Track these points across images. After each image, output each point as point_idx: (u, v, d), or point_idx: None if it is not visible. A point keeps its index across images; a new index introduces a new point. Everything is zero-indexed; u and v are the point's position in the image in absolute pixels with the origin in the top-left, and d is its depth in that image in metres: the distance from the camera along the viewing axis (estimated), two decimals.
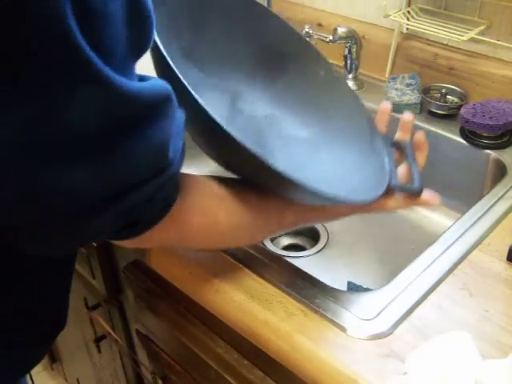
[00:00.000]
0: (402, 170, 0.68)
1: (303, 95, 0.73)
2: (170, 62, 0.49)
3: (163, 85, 0.42)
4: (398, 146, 0.69)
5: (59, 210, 0.41)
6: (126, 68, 0.39)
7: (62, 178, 0.38)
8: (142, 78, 0.42)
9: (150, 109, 0.40)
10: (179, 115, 0.46)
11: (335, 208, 0.64)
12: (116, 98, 0.37)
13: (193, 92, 0.48)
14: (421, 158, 0.69)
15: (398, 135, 0.70)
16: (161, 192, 0.46)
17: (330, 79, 0.73)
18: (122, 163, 0.40)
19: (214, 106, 0.55)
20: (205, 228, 0.54)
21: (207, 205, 0.54)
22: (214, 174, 0.57)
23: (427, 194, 0.67)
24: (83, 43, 0.34)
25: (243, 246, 0.69)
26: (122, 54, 0.38)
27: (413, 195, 0.65)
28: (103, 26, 0.35)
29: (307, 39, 0.96)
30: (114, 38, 0.36)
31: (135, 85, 0.39)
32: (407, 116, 0.69)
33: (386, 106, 0.72)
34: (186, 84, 0.48)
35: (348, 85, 0.79)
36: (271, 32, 0.70)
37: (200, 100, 0.48)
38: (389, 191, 0.64)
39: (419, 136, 0.69)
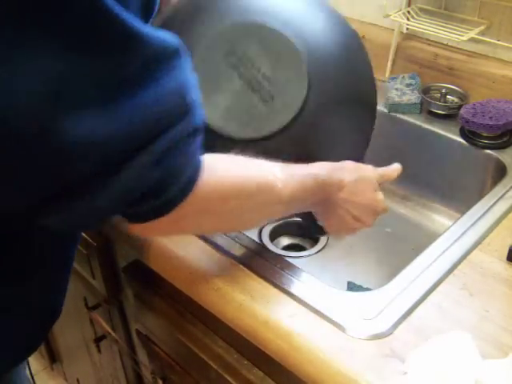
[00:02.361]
0: None
1: None
2: None
3: (172, 35, 0.43)
4: None
5: (90, 163, 0.41)
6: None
7: (90, 129, 0.39)
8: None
9: (163, 52, 0.42)
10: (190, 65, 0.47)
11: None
12: (133, 40, 0.39)
13: None
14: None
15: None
16: (186, 146, 0.46)
17: None
18: (142, 109, 0.41)
19: None
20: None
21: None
22: None
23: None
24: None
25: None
26: (135, 9, 0.41)
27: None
28: None
29: None
30: None
31: (148, 29, 0.41)
32: (395, 167, 0.75)
33: (398, 167, 0.76)
34: None
35: None
36: None
37: None
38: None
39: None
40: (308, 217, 0.73)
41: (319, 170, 0.63)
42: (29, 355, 0.65)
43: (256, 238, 0.94)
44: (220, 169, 0.53)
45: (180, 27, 0.67)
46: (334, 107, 0.68)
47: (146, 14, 0.44)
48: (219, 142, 0.63)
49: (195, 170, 0.49)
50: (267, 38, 0.65)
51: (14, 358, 0.62)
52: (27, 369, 0.75)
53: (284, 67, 0.65)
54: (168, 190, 0.47)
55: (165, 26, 0.67)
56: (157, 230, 0.55)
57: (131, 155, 0.42)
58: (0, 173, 0.41)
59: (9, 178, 0.41)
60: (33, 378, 0.74)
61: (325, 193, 0.64)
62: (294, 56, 0.65)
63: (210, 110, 0.62)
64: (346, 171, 0.66)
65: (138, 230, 0.52)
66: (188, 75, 0.45)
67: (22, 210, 0.44)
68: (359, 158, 0.73)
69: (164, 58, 0.42)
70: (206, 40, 0.65)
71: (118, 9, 0.38)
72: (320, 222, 0.73)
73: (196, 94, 0.47)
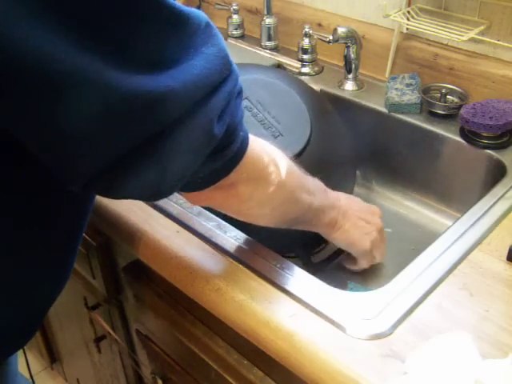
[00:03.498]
0: None
1: None
2: None
3: (198, 10, 0.48)
4: None
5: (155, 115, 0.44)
6: None
7: (155, 84, 0.42)
8: None
9: (198, 24, 0.47)
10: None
11: None
12: (177, 20, 0.44)
13: None
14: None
15: None
16: (238, 104, 0.52)
17: None
18: (193, 71, 0.45)
19: None
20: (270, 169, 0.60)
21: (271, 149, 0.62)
22: None
23: None
24: None
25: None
26: None
27: None
28: None
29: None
30: None
31: (183, 7, 0.45)
32: None
33: None
34: None
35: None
36: None
37: None
38: None
39: None
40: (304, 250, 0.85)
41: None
42: (25, 342, 0.64)
43: None
44: (260, 141, 0.60)
45: None
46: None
47: None
48: None
49: (246, 131, 0.55)
50: (278, 92, 0.85)
51: (9, 343, 0.62)
52: (27, 370, 0.75)
53: (291, 114, 0.83)
54: (229, 148, 0.52)
55: None
56: (212, 199, 0.60)
57: (192, 109, 0.46)
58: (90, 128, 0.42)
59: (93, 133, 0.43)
60: (32, 378, 0.74)
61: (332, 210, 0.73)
62: (299, 106, 0.84)
63: None
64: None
65: (194, 199, 0.58)
66: (223, 42, 0.50)
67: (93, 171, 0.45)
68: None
69: (200, 31, 0.47)
70: None
71: None
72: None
73: (232, 59, 0.51)
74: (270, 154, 0.61)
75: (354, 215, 0.76)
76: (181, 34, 0.45)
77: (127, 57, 0.42)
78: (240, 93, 0.53)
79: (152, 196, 0.51)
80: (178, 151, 0.46)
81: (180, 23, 0.45)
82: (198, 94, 0.46)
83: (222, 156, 0.52)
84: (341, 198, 0.76)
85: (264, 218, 0.66)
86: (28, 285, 0.59)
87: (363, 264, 0.81)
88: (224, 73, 0.49)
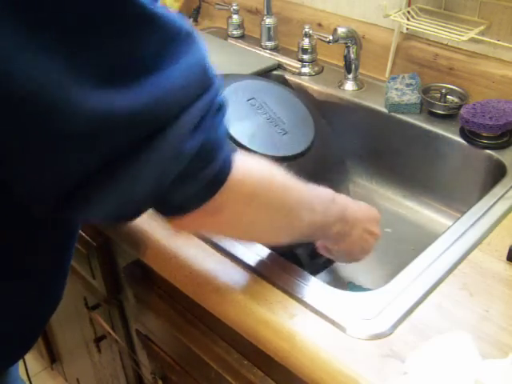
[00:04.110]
0: None
1: None
2: None
3: (183, 17, 0.45)
4: None
5: (124, 136, 0.41)
6: None
7: (122, 102, 0.39)
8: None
9: (178, 33, 0.43)
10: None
11: None
12: (149, 22, 0.41)
13: None
14: None
15: None
16: (216, 121, 0.47)
17: None
18: (165, 85, 0.42)
19: None
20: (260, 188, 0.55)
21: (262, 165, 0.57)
22: None
23: None
24: None
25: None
26: None
27: None
28: None
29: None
30: None
31: (162, 10, 0.42)
32: None
33: None
34: None
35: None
36: None
37: None
38: None
39: None
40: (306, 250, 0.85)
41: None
42: (26, 351, 0.64)
43: None
44: (249, 160, 0.55)
45: None
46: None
47: None
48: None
49: (229, 150, 0.50)
50: (283, 96, 0.91)
51: (11, 354, 0.62)
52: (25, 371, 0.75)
53: (296, 116, 0.88)
54: (207, 168, 0.47)
55: None
56: (198, 225, 0.54)
57: (161, 127, 0.42)
58: (33, 157, 0.40)
59: (39, 163, 0.40)
60: (30, 379, 0.74)
61: (337, 213, 0.67)
62: (303, 111, 0.90)
63: (236, 132, 0.80)
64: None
65: (179, 225, 0.52)
66: (205, 53, 0.46)
67: (52, 200, 0.43)
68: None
69: (179, 39, 0.43)
70: (229, 87, 0.85)
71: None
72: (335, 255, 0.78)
73: (214, 72, 0.47)
74: (262, 174, 0.55)
75: (361, 227, 0.72)
76: (153, 37, 0.41)
77: (90, 63, 0.38)
78: (221, 108, 0.48)
79: (117, 218, 0.48)
80: (142, 172, 0.43)
81: (152, 24, 0.41)
82: (170, 112, 0.43)
83: (199, 178, 0.47)
84: (348, 207, 0.69)
85: (261, 239, 0.64)
86: (26, 301, 0.59)
87: (341, 261, 0.80)
88: (201, 87, 0.45)
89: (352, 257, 0.76)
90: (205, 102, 0.45)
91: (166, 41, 0.42)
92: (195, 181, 0.47)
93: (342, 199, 0.68)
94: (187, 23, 0.44)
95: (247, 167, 0.53)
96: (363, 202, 0.77)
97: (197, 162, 0.46)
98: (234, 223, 0.56)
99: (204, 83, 0.45)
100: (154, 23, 0.41)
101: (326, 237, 0.69)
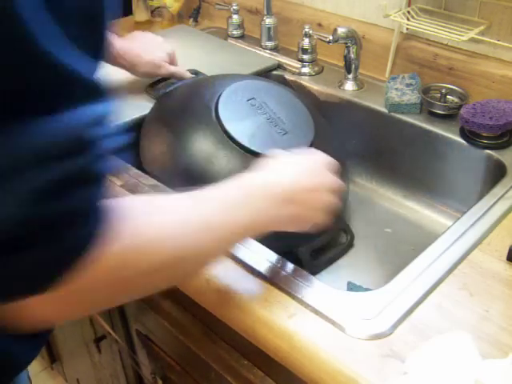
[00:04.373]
0: None
1: None
2: None
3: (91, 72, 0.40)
4: None
5: None
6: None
7: None
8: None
9: (65, 86, 0.38)
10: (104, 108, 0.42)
11: None
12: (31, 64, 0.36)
13: None
14: None
15: None
16: (78, 193, 0.40)
17: None
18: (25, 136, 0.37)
19: None
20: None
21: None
22: None
23: None
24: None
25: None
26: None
27: None
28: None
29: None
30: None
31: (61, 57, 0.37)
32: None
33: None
34: None
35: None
36: None
37: None
38: None
39: None
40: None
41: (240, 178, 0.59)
42: (30, 362, 0.64)
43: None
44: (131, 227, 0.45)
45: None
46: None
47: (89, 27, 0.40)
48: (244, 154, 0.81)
49: (87, 233, 0.41)
50: (283, 96, 0.92)
51: (12, 368, 0.62)
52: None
53: (296, 116, 0.89)
54: (56, 241, 0.39)
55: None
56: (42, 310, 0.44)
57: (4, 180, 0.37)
58: None
59: None
60: (30, 379, 0.74)
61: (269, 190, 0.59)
62: (303, 111, 0.91)
63: (236, 132, 0.82)
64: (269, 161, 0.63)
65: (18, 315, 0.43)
66: (94, 118, 0.40)
67: None
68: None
69: (63, 94, 0.38)
70: (229, 87, 0.87)
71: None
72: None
73: (105, 144, 0.42)
74: (132, 235, 0.45)
75: (302, 198, 0.61)
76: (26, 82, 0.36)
77: None
78: (97, 180, 0.41)
79: None
80: None
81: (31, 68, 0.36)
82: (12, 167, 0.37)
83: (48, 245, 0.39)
84: (282, 188, 0.60)
85: (173, 282, 0.58)
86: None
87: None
88: (67, 150, 0.39)
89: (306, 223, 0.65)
90: (65, 168, 0.39)
91: (52, 86, 0.37)
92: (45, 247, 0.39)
93: (262, 184, 0.59)
94: (93, 70, 0.40)
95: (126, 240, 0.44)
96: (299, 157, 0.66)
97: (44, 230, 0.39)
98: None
99: (74, 147, 0.39)
100: (33, 69, 0.36)
101: (265, 230, 0.60)
